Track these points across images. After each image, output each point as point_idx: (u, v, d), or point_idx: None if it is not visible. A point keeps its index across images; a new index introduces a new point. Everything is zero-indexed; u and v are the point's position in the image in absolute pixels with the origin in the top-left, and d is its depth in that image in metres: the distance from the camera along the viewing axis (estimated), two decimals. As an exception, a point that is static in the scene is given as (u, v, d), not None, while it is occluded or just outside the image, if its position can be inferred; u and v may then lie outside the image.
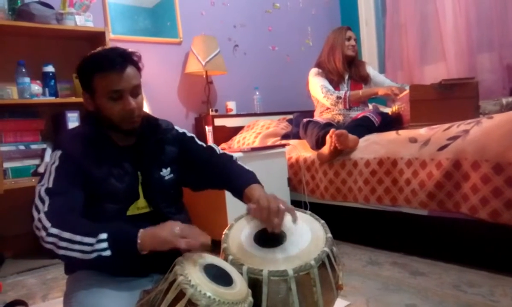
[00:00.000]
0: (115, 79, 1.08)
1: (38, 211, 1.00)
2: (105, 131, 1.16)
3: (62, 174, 1.06)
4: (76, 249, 0.94)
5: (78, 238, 0.94)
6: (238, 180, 1.22)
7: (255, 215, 1.09)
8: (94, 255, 0.93)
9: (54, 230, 0.96)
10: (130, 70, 1.10)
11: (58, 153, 1.10)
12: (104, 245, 0.93)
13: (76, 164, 1.08)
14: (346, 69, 2.71)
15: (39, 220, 0.98)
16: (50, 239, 0.95)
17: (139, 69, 1.15)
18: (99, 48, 1.16)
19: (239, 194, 1.20)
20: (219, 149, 1.34)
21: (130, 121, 1.13)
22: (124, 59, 1.10)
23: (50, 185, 1.04)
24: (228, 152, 1.34)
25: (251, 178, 1.22)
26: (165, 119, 1.30)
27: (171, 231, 0.93)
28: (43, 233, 0.96)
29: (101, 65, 1.08)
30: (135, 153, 1.18)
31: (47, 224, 0.97)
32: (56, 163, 1.08)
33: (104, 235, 0.94)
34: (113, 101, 1.10)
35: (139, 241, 0.93)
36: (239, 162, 1.31)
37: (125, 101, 1.10)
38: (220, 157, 1.30)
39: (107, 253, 0.93)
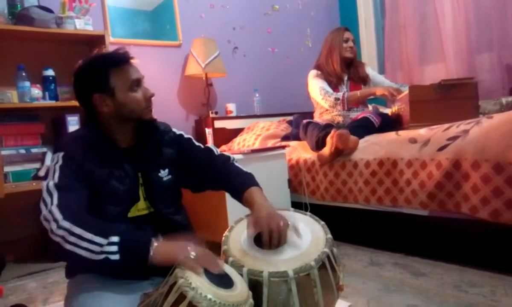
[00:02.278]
0: (131, 70, 1.15)
1: (47, 204, 0.99)
2: (107, 133, 1.16)
3: (67, 172, 1.07)
4: (84, 247, 0.93)
5: (88, 235, 0.94)
6: (236, 182, 1.23)
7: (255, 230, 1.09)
8: (102, 256, 0.92)
9: (65, 224, 0.95)
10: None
11: (61, 154, 1.10)
12: (114, 248, 0.92)
13: (78, 165, 1.09)
14: (345, 71, 2.72)
15: (50, 212, 0.98)
16: (60, 232, 0.95)
17: None
18: (95, 53, 1.20)
19: (238, 196, 1.20)
20: (217, 150, 1.34)
21: (149, 109, 1.19)
22: (127, 53, 1.16)
23: (57, 181, 1.04)
24: (225, 153, 1.34)
25: (250, 180, 1.23)
26: (163, 121, 1.31)
27: (187, 255, 0.91)
28: (54, 225, 0.96)
29: (116, 61, 1.13)
30: (135, 155, 1.19)
31: (59, 216, 0.96)
32: (60, 162, 1.08)
33: (115, 238, 0.93)
34: (134, 92, 1.15)
35: (151, 254, 0.92)
36: (236, 164, 1.31)
37: (144, 89, 1.17)
38: (218, 158, 1.31)
39: (116, 257, 0.92)
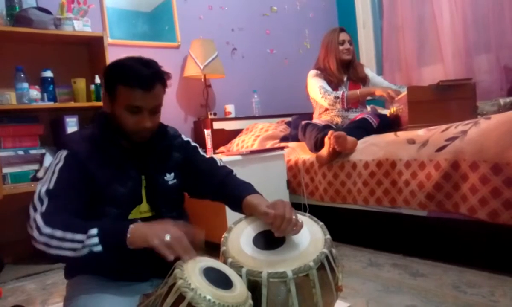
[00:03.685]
0: (138, 96, 1.08)
1: (35, 211, 1.00)
2: (114, 133, 1.16)
3: (65, 176, 1.06)
4: (67, 247, 0.95)
5: (69, 235, 0.95)
6: (236, 190, 1.23)
7: (268, 220, 1.07)
8: (86, 251, 0.94)
9: (47, 230, 0.96)
10: (156, 90, 1.11)
11: (64, 153, 1.10)
12: (95, 240, 0.94)
13: (81, 166, 1.08)
14: (343, 72, 2.71)
15: (34, 219, 0.98)
16: (42, 238, 0.96)
17: (165, 88, 1.16)
18: (132, 57, 1.13)
19: (238, 203, 1.20)
20: (220, 161, 1.35)
21: (140, 136, 1.15)
22: (154, 79, 1.10)
23: (51, 187, 1.04)
24: (228, 166, 1.34)
25: (250, 188, 1.23)
26: (172, 126, 1.32)
27: (161, 238, 0.92)
28: (36, 233, 0.97)
29: (129, 79, 1.08)
30: (141, 157, 1.19)
31: (41, 223, 0.97)
32: (61, 164, 1.08)
33: (94, 231, 0.95)
34: (130, 114, 1.10)
35: (129, 235, 0.94)
36: (237, 177, 1.32)
37: (142, 118, 1.11)
38: (220, 169, 1.31)
39: (98, 248, 0.94)
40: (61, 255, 0.95)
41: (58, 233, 0.95)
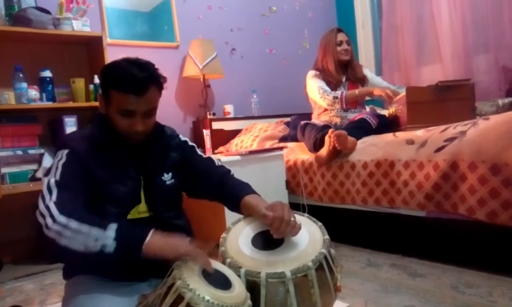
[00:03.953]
0: (131, 100, 1.07)
1: (45, 200, 0.99)
2: (112, 133, 1.15)
3: (69, 170, 1.06)
4: (80, 240, 0.93)
5: (85, 228, 0.93)
6: (234, 190, 1.22)
7: (267, 221, 1.08)
8: (99, 245, 0.92)
9: (62, 219, 0.95)
10: (150, 93, 1.09)
11: (65, 151, 1.10)
12: (112, 235, 0.93)
13: (82, 164, 1.09)
14: (341, 73, 2.72)
15: (47, 207, 0.97)
16: (55, 227, 0.94)
17: (160, 90, 1.16)
18: (127, 58, 1.11)
19: (236, 203, 1.19)
20: (217, 161, 1.35)
21: (133, 138, 1.14)
22: (148, 82, 1.08)
23: (58, 178, 1.04)
24: (226, 166, 1.34)
25: (248, 188, 1.22)
26: (170, 126, 1.32)
27: (178, 252, 0.92)
28: (50, 221, 0.95)
29: (121, 84, 1.07)
30: (139, 157, 1.19)
31: (56, 212, 0.96)
32: (63, 160, 1.08)
33: (113, 226, 0.94)
34: (123, 117, 1.10)
35: (146, 243, 0.93)
36: (235, 177, 1.31)
37: (134, 122, 1.10)
38: (218, 169, 1.31)
39: (111, 247, 0.93)
40: (72, 248, 0.94)
41: (74, 224, 0.94)
